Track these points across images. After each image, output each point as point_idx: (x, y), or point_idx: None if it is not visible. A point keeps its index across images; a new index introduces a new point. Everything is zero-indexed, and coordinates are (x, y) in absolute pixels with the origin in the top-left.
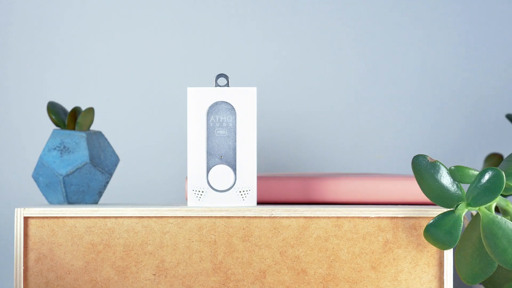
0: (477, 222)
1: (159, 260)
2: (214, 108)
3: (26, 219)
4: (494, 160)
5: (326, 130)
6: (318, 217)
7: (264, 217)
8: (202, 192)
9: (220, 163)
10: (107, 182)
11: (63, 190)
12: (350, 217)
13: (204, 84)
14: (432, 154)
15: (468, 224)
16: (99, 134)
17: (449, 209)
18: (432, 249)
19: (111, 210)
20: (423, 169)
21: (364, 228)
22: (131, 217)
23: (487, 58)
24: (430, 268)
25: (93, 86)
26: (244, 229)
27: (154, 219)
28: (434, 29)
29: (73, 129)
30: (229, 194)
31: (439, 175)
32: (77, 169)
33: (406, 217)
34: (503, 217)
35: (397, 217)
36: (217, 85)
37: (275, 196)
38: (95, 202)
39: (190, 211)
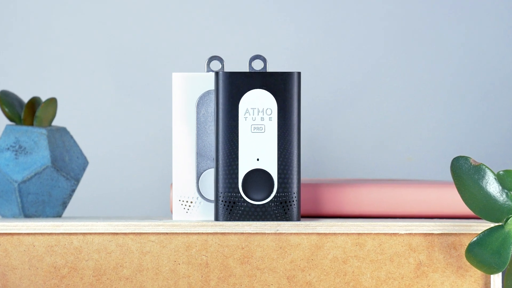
0: None
1: (138, 287)
2: (205, 98)
3: None
4: None
5: (344, 126)
6: (334, 233)
7: (268, 233)
8: (191, 202)
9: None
10: (73, 190)
11: (19, 200)
12: (374, 233)
13: (194, 70)
14: (475, 156)
15: None
16: (63, 131)
17: (497, 224)
18: (476, 273)
19: (78, 225)
20: (464, 174)
21: (392, 248)
22: (102, 233)
23: None
24: None
25: (55, 72)
26: (242, 248)
27: (131, 236)
28: (478, 2)
29: (31, 124)
30: None
31: (484, 181)
32: (36, 174)
33: (444, 233)
34: None
35: (432, 233)
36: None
37: None
38: (58, 215)
39: (176, 226)
